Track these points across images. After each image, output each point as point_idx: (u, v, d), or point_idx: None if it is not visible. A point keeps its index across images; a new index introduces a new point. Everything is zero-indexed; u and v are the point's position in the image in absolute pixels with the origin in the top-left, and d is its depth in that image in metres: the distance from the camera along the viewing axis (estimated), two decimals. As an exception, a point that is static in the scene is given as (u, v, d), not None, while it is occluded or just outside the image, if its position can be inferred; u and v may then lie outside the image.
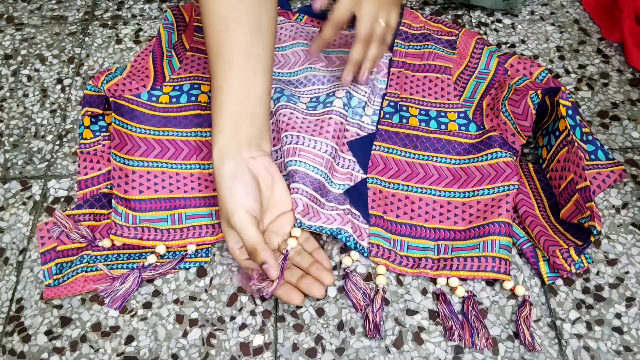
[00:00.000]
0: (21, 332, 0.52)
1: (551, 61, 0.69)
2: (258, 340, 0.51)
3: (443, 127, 0.61)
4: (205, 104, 0.64)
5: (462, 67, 0.66)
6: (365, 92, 0.63)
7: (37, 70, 0.71)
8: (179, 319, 0.52)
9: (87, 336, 0.51)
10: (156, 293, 0.54)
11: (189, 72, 0.66)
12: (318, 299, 0.52)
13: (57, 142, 0.64)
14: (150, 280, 0.54)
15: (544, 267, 0.52)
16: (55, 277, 0.54)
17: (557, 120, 0.56)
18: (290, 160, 0.56)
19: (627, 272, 0.53)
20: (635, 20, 0.68)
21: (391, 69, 0.66)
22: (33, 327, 0.52)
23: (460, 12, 0.75)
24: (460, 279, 0.53)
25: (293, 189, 0.54)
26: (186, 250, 0.55)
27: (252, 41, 0.51)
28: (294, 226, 0.52)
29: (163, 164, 0.59)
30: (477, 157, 0.58)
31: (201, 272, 0.55)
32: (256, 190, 0.49)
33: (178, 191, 0.58)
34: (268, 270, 0.47)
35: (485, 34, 0.72)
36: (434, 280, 0.53)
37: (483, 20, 0.74)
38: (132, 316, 0.52)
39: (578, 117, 0.55)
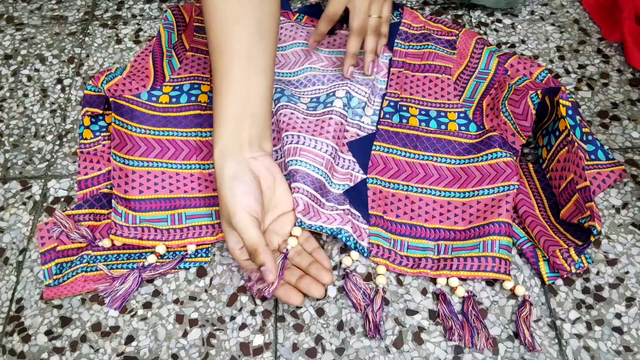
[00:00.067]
0: (21, 332, 0.52)
1: (551, 61, 0.69)
2: (258, 340, 0.51)
3: (443, 127, 0.61)
4: (205, 104, 0.64)
5: (462, 67, 0.66)
6: (365, 93, 0.63)
7: (37, 70, 0.71)
8: (179, 319, 0.52)
9: (87, 336, 0.51)
10: (156, 293, 0.54)
11: (189, 72, 0.66)
12: (318, 299, 0.52)
13: (57, 142, 0.64)
14: (150, 280, 0.54)
15: (544, 267, 0.52)
16: (55, 277, 0.54)
17: (557, 120, 0.56)
18: (291, 160, 0.56)
19: (627, 272, 0.53)
20: (635, 20, 0.68)
21: (391, 69, 0.66)
22: (33, 327, 0.52)
23: (460, 12, 0.75)
24: (460, 279, 0.53)
25: (294, 188, 0.54)
26: (186, 250, 0.55)
27: (253, 41, 0.51)
28: (295, 225, 0.52)
29: (163, 164, 0.59)
30: (477, 157, 0.58)
31: (201, 272, 0.55)
32: (257, 191, 0.49)
33: (178, 191, 0.58)
34: (265, 272, 0.47)
35: (485, 34, 0.72)
36: (434, 280, 0.53)
37: (483, 20, 0.74)
38: (132, 316, 0.52)
39: (578, 117, 0.55)
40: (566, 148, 0.54)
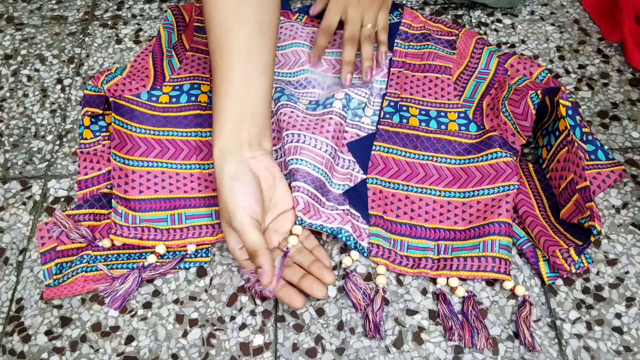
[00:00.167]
0: (21, 332, 0.52)
1: (551, 61, 0.69)
2: (258, 340, 0.51)
3: (443, 127, 0.61)
4: (205, 104, 0.64)
5: (462, 67, 0.66)
6: (365, 93, 0.63)
7: (37, 70, 0.71)
8: (179, 319, 0.52)
9: (87, 336, 0.51)
10: (156, 293, 0.54)
11: (189, 72, 0.66)
12: (318, 299, 0.52)
13: (57, 142, 0.64)
14: (150, 280, 0.54)
15: (544, 267, 0.52)
16: (55, 277, 0.54)
17: (557, 120, 0.56)
18: (292, 159, 0.56)
19: (627, 272, 0.53)
20: (635, 20, 0.68)
21: (391, 69, 0.66)
22: (33, 327, 0.52)
23: (460, 12, 0.75)
24: (460, 279, 0.53)
25: (294, 187, 0.54)
26: (186, 250, 0.55)
27: (253, 40, 0.51)
28: (295, 224, 0.52)
29: (163, 164, 0.59)
30: (477, 157, 0.58)
31: (201, 272, 0.55)
32: (257, 191, 0.49)
33: (178, 191, 0.58)
34: (261, 275, 0.47)
35: (485, 34, 0.72)
36: (434, 280, 0.53)
37: (483, 20, 0.74)
38: (132, 316, 0.52)
39: (578, 117, 0.55)
40: (566, 148, 0.54)
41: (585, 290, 0.52)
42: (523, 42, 0.71)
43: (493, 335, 0.50)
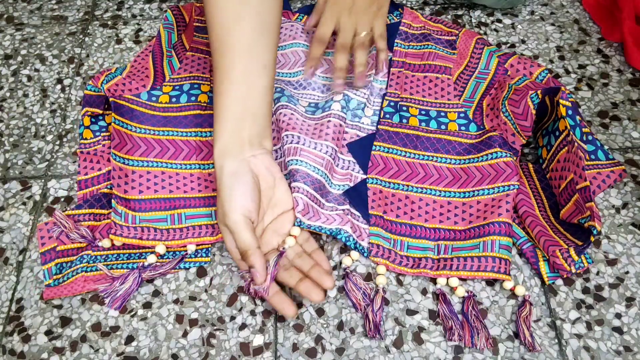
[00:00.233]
0: (21, 332, 0.52)
1: (551, 61, 0.69)
2: (258, 340, 0.51)
3: (443, 127, 0.61)
4: (205, 104, 0.64)
5: (462, 67, 0.66)
6: (365, 94, 0.63)
7: (37, 70, 0.71)
8: (179, 319, 0.52)
9: (87, 336, 0.51)
10: (156, 293, 0.54)
11: (188, 72, 0.66)
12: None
13: (57, 142, 0.64)
14: (150, 280, 0.54)
15: (544, 267, 0.52)
16: (55, 277, 0.54)
17: (557, 120, 0.56)
18: (292, 160, 0.56)
19: (627, 272, 0.53)
20: (635, 20, 0.68)
21: (391, 69, 0.66)
22: (33, 327, 0.52)
23: (460, 12, 0.75)
24: (460, 279, 0.53)
25: (294, 188, 0.54)
26: (186, 250, 0.55)
27: (255, 39, 0.51)
28: (294, 225, 0.52)
29: (163, 164, 0.59)
30: (477, 157, 0.58)
31: (201, 272, 0.55)
32: (255, 191, 0.49)
33: (178, 191, 0.58)
34: (254, 274, 0.47)
35: (485, 34, 0.72)
36: (434, 280, 0.53)
37: (483, 20, 0.74)
38: (132, 316, 0.52)
39: (578, 117, 0.55)
40: (566, 148, 0.54)
41: (585, 290, 0.52)
42: (523, 42, 0.71)
43: (493, 335, 0.50)
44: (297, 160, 0.55)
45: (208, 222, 0.56)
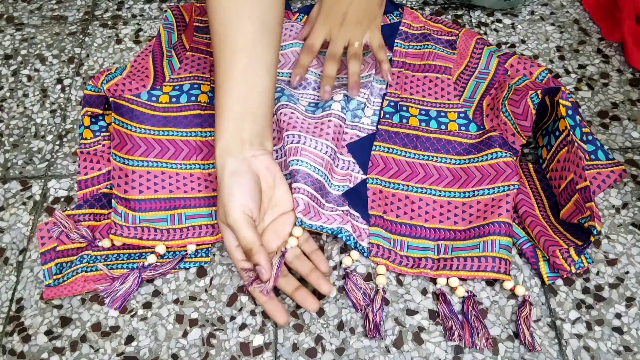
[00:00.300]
0: (21, 332, 0.52)
1: (551, 61, 0.69)
2: (258, 340, 0.51)
3: (443, 127, 0.61)
4: (205, 104, 0.64)
5: (462, 67, 0.66)
6: (365, 94, 0.63)
7: (37, 70, 0.71)
8: (179, 319, 0.52)
9: (87, 336, 0.51)
10: (156, 293, 0.54)
11: (189, 72, 0.66)
12: (319, 299, 0.52)
13: (57, 142, 0.64)
14: (150, 280, 0.54)
15: (544, 267, 0.52)
16: (55, 277, 0.54)
17: (557, 120, 0.56)
18: (293, 160, 0.56)
19: (627, 272, 0.53)
20: (635, 20, 0.68)
21: (391, 69, 0.66)
22: (33, 327, 0.52)
23: (460, 12, 0.75)
24: (460, 279, 0.53)
25: (295, 188, 0.54)
26: (186, 250, 0.55)
27: (256, 38, 0.51)
28: (295, 225, 0.52)
29: (163, 164, 0.59)
30: (477, 157, 0.58)
31: (201, 272, 0.55)
32: (255, 191, 0.49)
33: (178, 191, 0.58)
34: (260, 272, 0.47)
35: (485, 34, 0.72)
36: (434, 280, 0.53)
37: (483, 20, 0.74)
38: (132, 316, 0.52)
39: (578, 117, 0.55)
40: (566, 148, 0.54)
41: (585, 290, 0.52)
42: (523, 42, 0.71)
43: (493, 335, 0.50)
44: (298, 160, 0.55)
45: (208, 222, 0.56)
